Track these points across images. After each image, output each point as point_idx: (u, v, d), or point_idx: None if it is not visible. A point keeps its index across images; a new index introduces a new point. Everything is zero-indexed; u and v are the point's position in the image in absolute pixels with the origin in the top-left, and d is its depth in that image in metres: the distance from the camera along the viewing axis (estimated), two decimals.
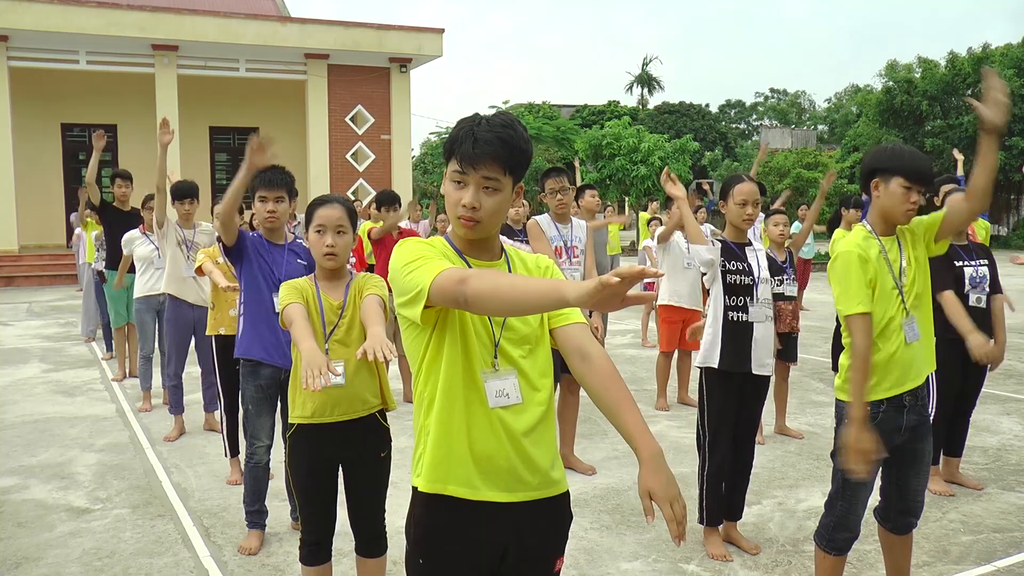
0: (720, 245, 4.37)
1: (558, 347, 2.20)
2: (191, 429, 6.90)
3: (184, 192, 6.54)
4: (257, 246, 4.27)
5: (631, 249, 24.62)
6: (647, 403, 7.61)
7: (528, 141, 2.09)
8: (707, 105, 58.41)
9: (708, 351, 4.34)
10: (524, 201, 9.16)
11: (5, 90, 19.42)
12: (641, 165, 28.99)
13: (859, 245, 3.27)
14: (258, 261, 4.23)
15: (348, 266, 3.57)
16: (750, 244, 4.47)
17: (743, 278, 4.34)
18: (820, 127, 62.72)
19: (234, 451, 5.62)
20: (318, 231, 3.31)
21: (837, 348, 8.15)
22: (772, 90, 74.48)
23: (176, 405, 6.82)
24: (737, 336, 4.31)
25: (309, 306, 3.31)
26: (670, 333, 7.39)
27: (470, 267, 2.10)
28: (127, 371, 9.02)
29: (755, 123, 71.31)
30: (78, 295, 15.47)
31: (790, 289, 6.40)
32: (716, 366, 4.31)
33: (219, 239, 4.34)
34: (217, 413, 6.71)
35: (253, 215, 5.00)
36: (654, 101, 63.27)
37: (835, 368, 8.33)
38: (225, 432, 5.60)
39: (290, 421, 3.42)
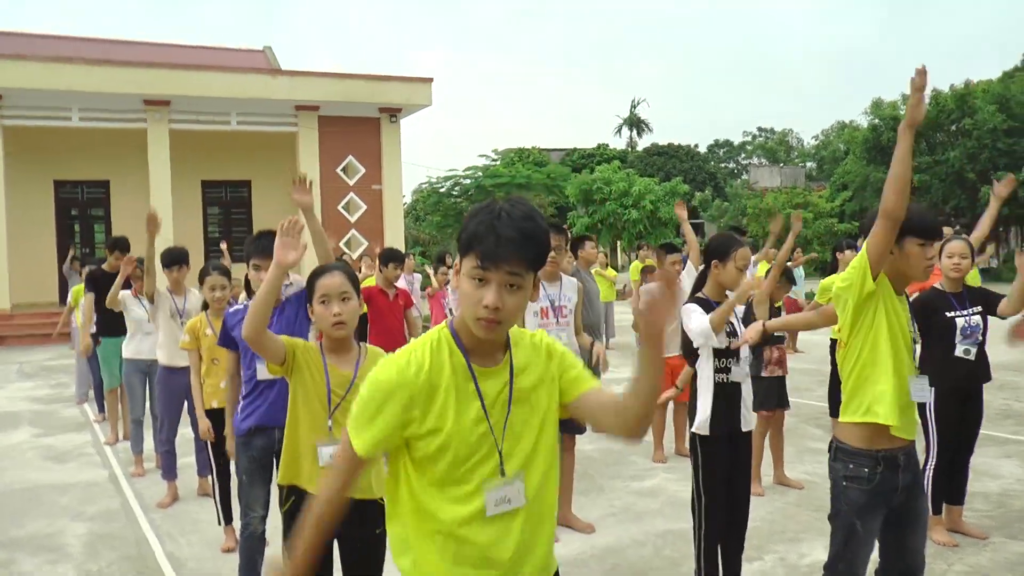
0: (702, 310, 4.34)
1: (583, 416, 2.15)
2: (184, 494, 6.80)
3: (173, 259, 6.53)
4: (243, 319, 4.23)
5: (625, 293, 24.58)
6: (644, 455, 7.54)
7: (548, 232, 2.02)
8: (696, 145, 58.91)
9: (703, 418, 4.30)
10: None
11: None
12: (632, 209, 29.13)
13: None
14: None
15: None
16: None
17: (732, 339, 4.32)
18: (808, 164, 63.19)
19: (228, 518, 5.55)
20: (323, 302, 3.25)
21: (835, 391, 8.10)
22: (760, 129, 75.20)
23: (169, 471, 6.74)
24: (727, 397, 4.30)
25: (312, 372, 3.26)
26: (663, 386, 7.33)
27: (471, 370, 2.06)
28: (119, 434, 8.92)
29: (744, 162, 71.87)
30: (71, 353, 15.36)
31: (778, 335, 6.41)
32: (708, 433, 4.27)
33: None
34: (211, 478, 6.66)
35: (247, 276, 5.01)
36: (643, 143, 63.78)
37: (833, 414, 8.28)
38: (218, 499, 5.53)
39: (279, 483, 3.37)
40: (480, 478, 2.04)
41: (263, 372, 4.07)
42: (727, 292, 4.38)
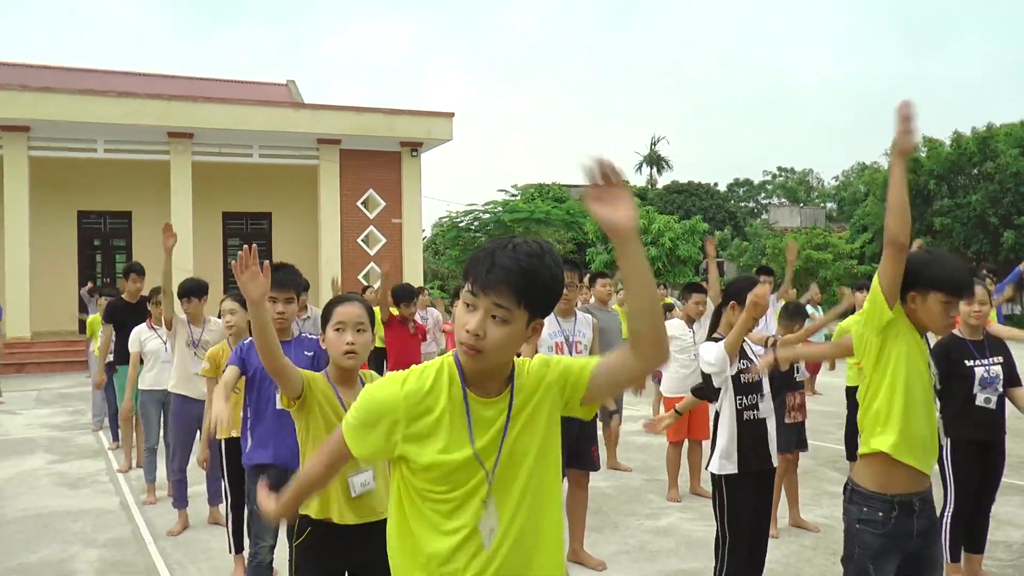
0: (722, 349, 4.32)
1: (606, 389, 2.11)
2: (195, 522, 6.79)
3: (188, 291, 6.58)
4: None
5: None
6: (659, 493, 7.47)
7: (556, 277, 1.99)
8: (715, 184, 58.92)
9: (724, 458, 4.26)
10: None
11: (24, 179, 19.74)
12: (651, 247, 29.12)
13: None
14: (259, 366, 4.20)
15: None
16: (745, 341, 4.43)
17: (751, 376, 4.30)
18: (829, 205, 63.09)
19: (239, 547, 5.53)
20: (337, 329, 3.25)
21: (851, 435, 8.00)
22: (780, 168, 75.17)
23: (180, 499, 6.74)
24: (755, 435, 4.27)
25: (323, 405, 3.26)
26: (677, 423, 7.26)
27: (466, 401, 2.05)
28: (132, 462, 8.93)
29: (764, 201, 71.80)
30: (87, 381, 15.44)
31: (799, 375, 6.36)
32: (737, 471, 4.22)
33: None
34: (222, 507, 6.64)
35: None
36: (663, 180, 63.90)
37: (851, 457, 8.18)
38: (231, 528, 5.51)
39: (301, 512, 3.35)
40: (469, 509, 2.03)
41: (281, 402, 4.07)
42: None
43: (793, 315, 6.62)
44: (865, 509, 3.22)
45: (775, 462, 4.33)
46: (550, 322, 5.66)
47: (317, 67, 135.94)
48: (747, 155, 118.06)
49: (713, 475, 4.37)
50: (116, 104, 19.82)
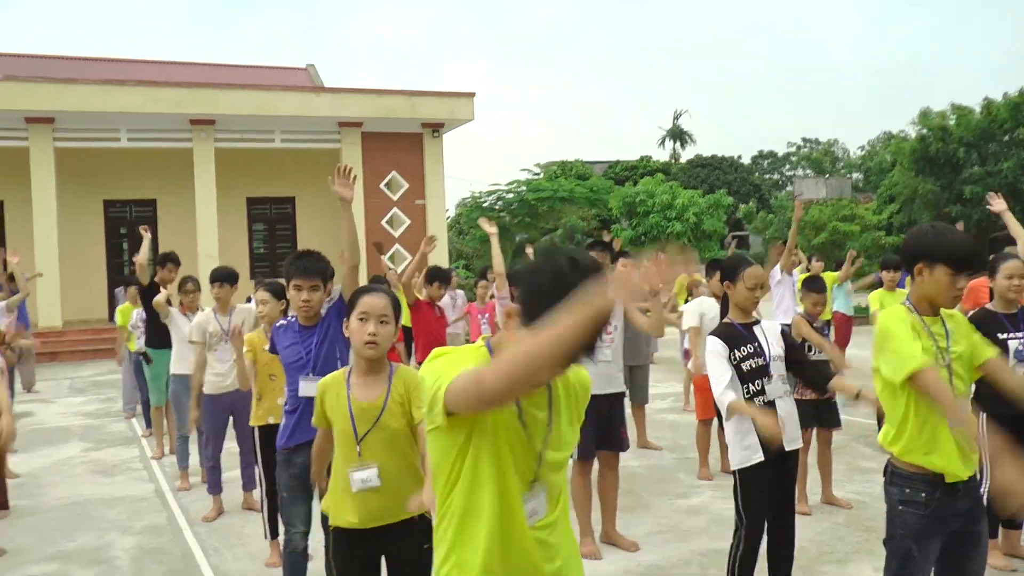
0: (720, 337, 4.28)
1: None
2: (229, 508, 6.86)
3: (220, 277, 6.66)
4: (288, 335, 4.26)
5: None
6: (689, 472, 7.45)
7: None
8: (739, 157, 58.42)
9: (742, 451, 4.22)
10: None
11: (51, 170, 19.92)
12: (676, 222, 29.00)
13: (899, 315, 3.19)
14: (286, 351, 4.22)
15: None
16: (757, 322, 4.39)
17: (756, 360, 4.23)
18: (855, 175, 62.38)
19: (274, 533, 5.57)
20: (361, 319, 3.24)
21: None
22: (804, 139, 74.20)
23: (214, 485, 6.81)
24: None
25: (335, 407, 3.28)
26: (706, 400, 7.22)
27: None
28: (165, 449, 9.03)
29: (788, 173, 71.07)
30: (118, 369, 15.62)
31: (821, 354, 6.30)
32: (764, 457, 4.18)
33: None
34: (255, 492, 6.70)
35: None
36: (686, 155, 63.45)
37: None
38: (266, 514, 5.56)
39: (332, 524, 3.36)
40: (516, 485, 2.08)
41: (305, 389, 4.09)
42: (755, 312, 4.38)
43: (814, 287, 6.56)
44: (907, 490, 3.18)
45: (792, 445, 4.25)
46: None
47: (337, 51, 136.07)
48: (771, 127, 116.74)
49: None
50: (138, 93, 19.91)
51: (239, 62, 29.97)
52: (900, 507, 3.19)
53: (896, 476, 3.24)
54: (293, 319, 4.35)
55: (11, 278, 14.27)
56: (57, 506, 7.31)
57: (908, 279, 3.41)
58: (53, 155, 19.99)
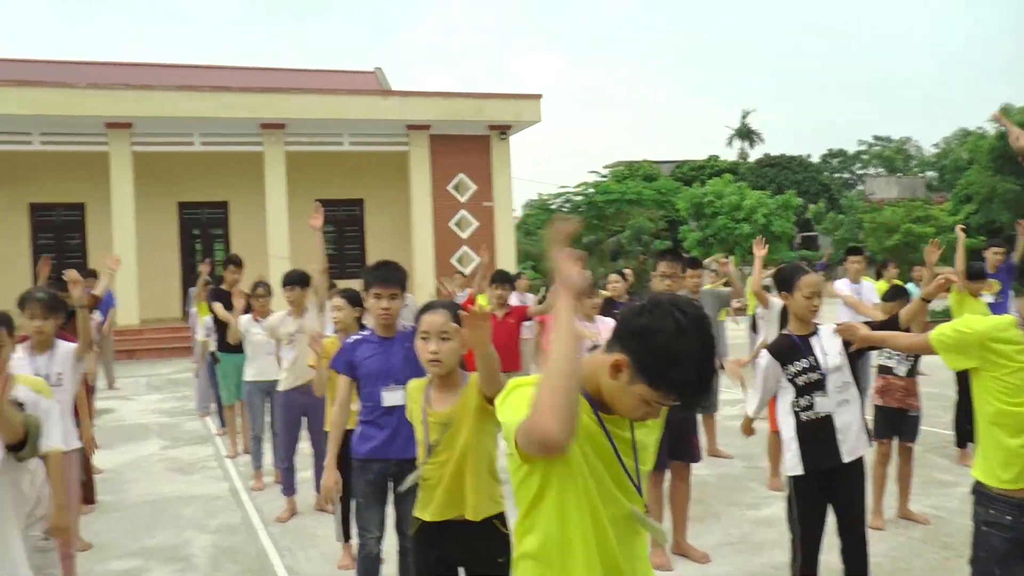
0: (774, 353, 4.24)
1: None
2: (302, 509, 6.97)
3: (292, 280, 6.78)
4: (366, 348, 4.32)
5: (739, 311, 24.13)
6: (760, 481, 7.34)
7: None
8: (808, 155, 57.35)
9: (791, 458, 4.18)
10: (622, 275, 9.08)
11: (129, 174, 20.52)
12: (744, 223, 28.65)
13: (991, 330, 3.10)
14: (367, 364, 4.28)
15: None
16: (815, 332, 4.31)
17: (811, 375, 4.18)
18: (929, 174, 60.77)
19: (346, 536, 5.66)
20: (423, 338, 3.33)
21: (962, 420, 7.71)
22: (876, 137, 72.64)
23: (288, 487, 6.94)
24: (818, 433, 4.16)
25: (414, 414, 3.38)
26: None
27: (598, 416, 2.10)
28: (239, 448, 9.21)
29: (859, 172, 69.56)
30: (192, 367, 15.99)
31: (901, 367, 6.14)
32: (803, 472, 4.14)
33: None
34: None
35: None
36: (754, 154, 62.55)
37: (960, 443, 7.88)
38: (339, 518, 5.65)
39: (415, 514, 3.44)
40: (606, 509, 2.12)
41: (388, 399, 4.14)
42: (815, 322, 4.32)
43: (895, 296, 6.41)
44: (991, 511, 3.11)
45: (850, 456, 4.16)
46: None
47: (403, 53, 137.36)
48: (841, 124, 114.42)
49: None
50: (211, 99, 20.42)
51: (308, 66, 30.43)
52: (984, 528, 3.12)
53: (981, 496, 3.16)
54: (368, 332, 4.42)
55: (94, 274, 14.77)
56: (138, 502, 7.54)
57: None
58: (131, 159, 20.59)
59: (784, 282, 4.32)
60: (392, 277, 4.32)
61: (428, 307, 3.42)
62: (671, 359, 1.95)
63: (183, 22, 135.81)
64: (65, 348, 5.10)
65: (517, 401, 2.03)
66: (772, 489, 7.13)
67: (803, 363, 4.19)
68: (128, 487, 8.08)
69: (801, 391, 4.17)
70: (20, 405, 3.11)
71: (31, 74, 21.49)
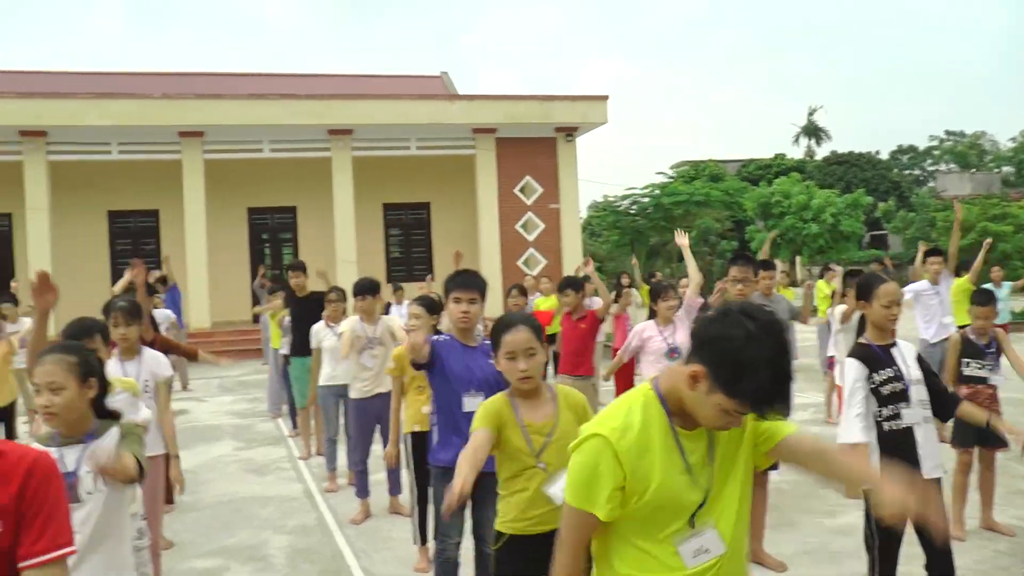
0: (860, 360, 4.14)
1: (787, 460, 2.26)
2: (376, 511, 7.05)
3: (364, 289, 6.87)
4: (450, 350, 4.37)
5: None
6: (835, 489, 7.21)
7: None
8: (877, 152, 56.20)
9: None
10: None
11: (200, 180, 21.01)
12: (812, 223, 28.16)
13: None
14: (451, 366, 4.33)
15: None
16: (895, 344, 4.23)
17: (895, 384, 4.10)
18: (1005, 169, 58.99)
19: (423, 539, 5.72)
20: (510, 358, 3.32)
21: None
22: (948, 132, 70.77)
23: (362, 489, 7.03)
24: (899, 445, 4.08)
25: (508, 429, 3.34)
26: None
27: (675, 431, 2.12)
28: (312, 450, 9.36)
29: (930, 168, 67.89)
30: (263, 369, 16.29)
31: (996, 377, 5.98)
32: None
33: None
34: (401, 497, 6.90)
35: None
36: (821, 152, 61.48)
37: None
38: (416, 521, 5.71)
39: (497, 528, 3.45)
40: (673, 530, 2.12)
41: (469, 405, 4.17)
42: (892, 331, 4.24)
43: (984, 300, 6.22)
44: None
45: (931, 473, 4.08)
46: None
47: (469, 55, 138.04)
48: (911, 119, 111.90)
49: None
50: (280, 106, 20.81)
51: (375, 71, 30.80)
52: None
53: None
54: (449, 336, 4.47)
55: (164, 280, 15.20)
56: (215, 503, 7.71)
57: None
58: (203, 166, 21.09)
59: (862, 291, 4.25)
60: (471, 282, 4.40)
61: (508, 325, 3.38)
62: (744, 367, 1.95)
63: (251, 32, 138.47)
64: (151, 354, 5.25)
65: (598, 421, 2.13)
66: (848, 497, 6.99)
67: (888, 372, 4.12)
68: (205, 487, 8.26)
69: (885, 401, 4.10)
70: (118, 414, 3.20)
71: (109, 86, 22.14)
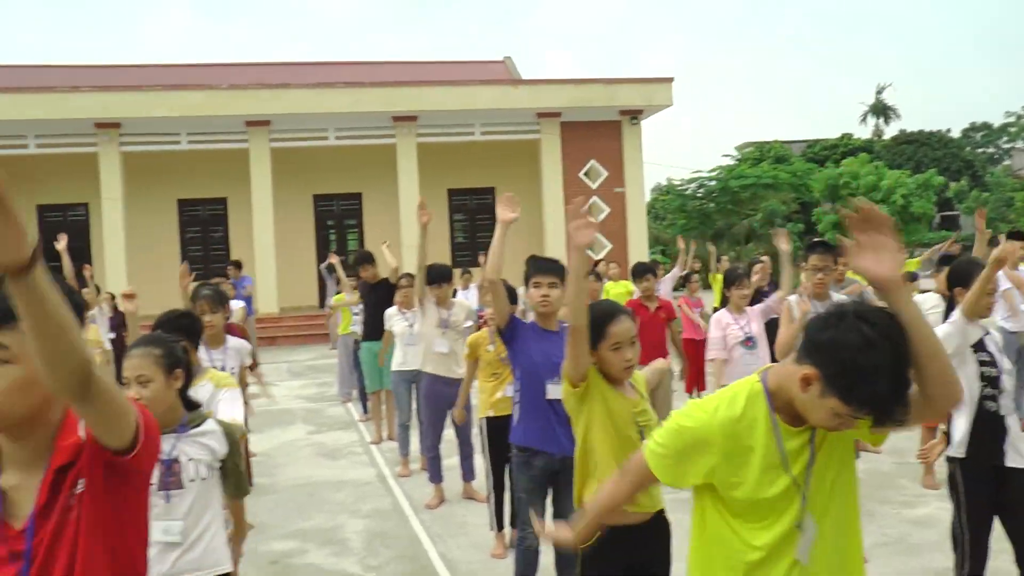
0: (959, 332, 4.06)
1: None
2: (450, 497, 7.12)
3: (439, 276, 6.93)
4: (532, 333, 4.41)
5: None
6: (911, 479, 7.05)
7: None
8: (948, 130, 54.56)
9: (960, 439, 4.04)
10: (761, 262, 8.88)
11: (267, 169, 21.38)
12: (882, 205, 27.52)
13: None
14: (534, 348, 4.36)
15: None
16: (988, 332, 4.15)
17: (990, 369, 4.03)
18: None
19: (500, 525, 5.78)
20: (616, 348, 3.30)
21: None
22: None
23: (436, 474, 7.10)
24: (989, 426, 4.02)
25: (607, 400, 3.33)
26: None
27: (777, 429, 2.11)
28: (383, 434, 9.48)
29: (1005, 146, 65.76)
30: (330, 353, 16.56)
31: None
32: (964, 455, 4.01)
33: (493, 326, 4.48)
34: (475, 483, 6.96)
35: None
36: (890, 131, 59.95)
37: None
38: (492, 508, 5.77)
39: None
40: (781, 528, 2.11)
41: (553, 392, 4.18)
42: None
43: None
44: None
45: (1015, 462, 4.00)
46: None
47: (531, 39, 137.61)
48: (984, 95, 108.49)
49: (949, 460, 4.15)
50: (345, 94, 21.04)
51: (438, 58, 30.93)
52: None
53: None
54: (531, 323, 4.50)
55: (239, 265, 15.55)
56: (291, 486, 7.86)
57: None
58: (269, 155, 21.43)
59: (960, 277, 4.19)
60: (552, 266, 4.44)
61: (610, 315, 3.35)
62: (860, 375, 1.91)
63: (316, 22, 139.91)
64: (235, 342, 5.38)
65: (685, 415, 2.17)
66: (927, 487, 6.85)
67: (984, 355, 4.07)
68: (280, 470, 8.43)
69: (981, 377, 4.05)
70: (197, 404, 3.27)
71: (178, 78, 22.62)
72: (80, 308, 1.88)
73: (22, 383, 1.68)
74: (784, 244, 6.55)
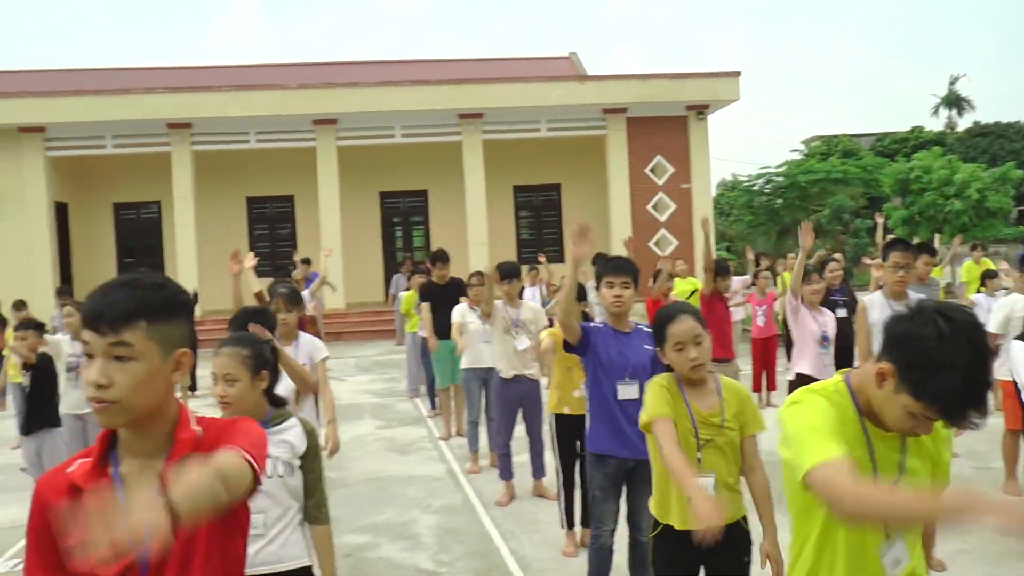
0: None
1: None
2: (520, 494, 7.12)
3: (508, 273, 6.96)
4: (604, 337, 4.39)
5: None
6: (992, 484, 6.78)
7: None
8: None
9: None
10: (835, 260, 8.73)
11: (334, 167, 21.65)
12: (955, 199, 26.75)
13: None
14: (605, 352, 4.35)
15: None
16: None
17: None
18: None
19: (570, 523, 5.78)
20: (679, 348, 3.29)
21: None
22: None
23: (506, 471, 7.12)
24: None
25: (677, 415, 3.28)
26: (1015, 408, 6.44)
27: (865, 431, 2.08)
28: (452, 430, 9.54)
29: None
30: (396, 349, 16.72)
31: None
32: None
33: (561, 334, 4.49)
34: (545, 480, 6.98)
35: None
36: (964, 123, 58.29)
37: None
38: (562, 506, 5.77)
39: (658, 517, 3.46)
40: (873, 542, 2.11)
41: (624, 392, 4.19)
42: None
43: None
44: None
45: None
46: (881, 308, 5.37)
47: (597, 34, 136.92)
48: None
49: None
50: (412, 92, 21.19)
51: (503, 55, 31.00)
52: None
53: None
54: (602, 323, 4.49)
55: (306, 261, 15.81)
56: (361, 480, 7.96)
57: None
58: (336, 153, 21.71)
59: None
60: (624, 267, 4.41)
61: (670, 316, 3.34)
62: (932, 367, 1.87)
63: (382, 21, 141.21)
64: (307, 339, 5.46)
65: (804, 420, 2.01)
66: (1009, 493, 6.66)
67: None
68: (350, 465, 8.52)
69: None
70: (283, 401, 3.34)
71: (247, 79, 23.03)
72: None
73: (145, 378, 1.74)
74: (808, 240, 6.41)
